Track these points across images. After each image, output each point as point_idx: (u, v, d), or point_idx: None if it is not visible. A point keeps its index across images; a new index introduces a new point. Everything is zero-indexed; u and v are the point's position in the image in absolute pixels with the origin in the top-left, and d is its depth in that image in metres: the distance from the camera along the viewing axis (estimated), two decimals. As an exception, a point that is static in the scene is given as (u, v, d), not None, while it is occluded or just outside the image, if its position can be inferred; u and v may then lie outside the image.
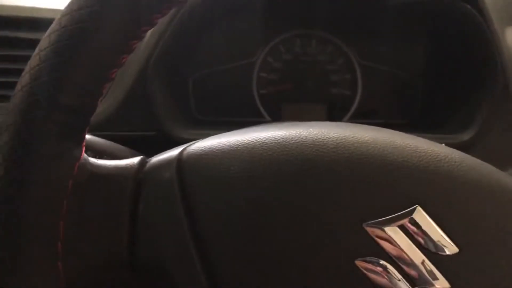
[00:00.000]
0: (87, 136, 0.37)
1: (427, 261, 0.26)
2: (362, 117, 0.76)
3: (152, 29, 0.61)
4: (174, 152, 0.30)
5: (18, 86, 0.26)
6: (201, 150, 0.30)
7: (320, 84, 0.78)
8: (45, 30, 0.27)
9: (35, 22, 0.58)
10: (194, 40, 0.72)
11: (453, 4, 0.63)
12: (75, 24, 0.26)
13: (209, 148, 0.30)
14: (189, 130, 0.64)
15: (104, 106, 0.61)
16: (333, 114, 0.77)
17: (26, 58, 0.27)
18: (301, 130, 0.29)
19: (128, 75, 0.61)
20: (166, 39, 0.61)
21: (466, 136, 0.63)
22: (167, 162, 0.30)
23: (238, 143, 0.29)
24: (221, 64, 0.76)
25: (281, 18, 0.77)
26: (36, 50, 0.26)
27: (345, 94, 0.77)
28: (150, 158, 0.31)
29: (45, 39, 0.26)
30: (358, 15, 0.75)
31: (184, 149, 0.30)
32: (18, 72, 0.27)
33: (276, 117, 0.77)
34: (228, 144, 0.29)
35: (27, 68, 0.26)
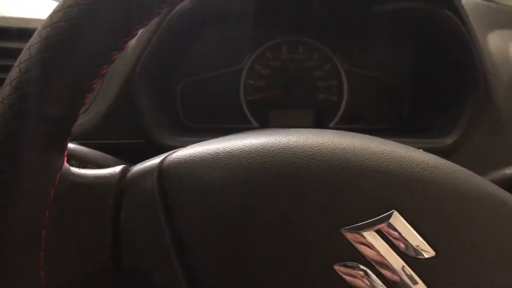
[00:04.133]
0: (72, 145, 0.37)
1: (405, 265, 0.26)
2: (348, 122, 0.77)
3: (137, 38, 0.62)
4: (155, 160, 0.31)
5: None
6: (181, 158, 0.30)
7: (307, 90, 0.78)
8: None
9: (24, 32, 0.59)
10: (181, 48, 0.73)
11: (435, 11, 0.63)
12: (55, 36, 0.26)
13: (189, 156, 0.30)
14: (177, 137, 0.64)
15: (90, 115, 0.61)
16: (320, 120, 0.78)
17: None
18: (280, 138, 0.30)
19: (115, 83, 0.61)
20: (152, 47, 0.61)
21: (450, 140, 0.63)
22: (148, 171, 0.30)
23: (218, 151, 0.30)
24: (208, 71, 0.77)
25: (268, 25, 0.78)
26: (16, 63, 0.27)
27: (331, 100, 0.78)
28: (132, 167, 0.32)
29: (25, 51, 0.27)
30: (344, 22, 0.76)
31: (165, 157, 0.31)
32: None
33: (264, 123, 0.78)
34: (208, 152, 0.30)
35: (7, 80, 0.27)
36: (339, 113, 0.77)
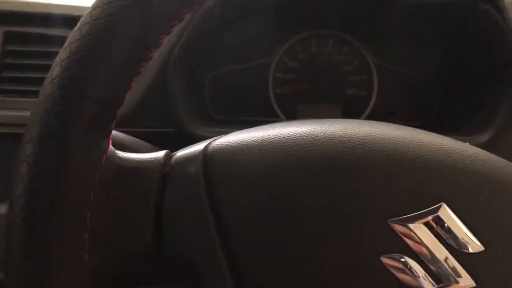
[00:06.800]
0: (111, 131, 0.37)
1: (451, 259, 0.26)
2: (378, 118, 0.75)
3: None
4: (199, 146, 0.30)
5: (48, 78, 0.27)
6: (226, 145, 0.30)
7: (335, 85, 0.77)
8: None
9: (67, 19, 0.59)
10: (212, 39, 0.72)
11: (472, 4, 0.62)
12: (106, 17, 0.26)
13: (234, 143, 0.30)
14: (206, 128, 0.64)
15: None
16: (349, 115, 0.77)
17: (55, 54, 0.27)
18: (326, 127, 0.29)
19: (148, 72, 0.61)
20: (185, 39, 0.61)
21: (484, 138, 0.62)
22: (193, 157, 0.30)
23: (263, 138, 0.29)
24: (237, 63, 0.76)
25: (298, 18, 0.77)
26: (66, 43, 0.27)
27: (361, 95, 0.77)
28: (174, 153, 0.32)
29: (76, 32, 0.27)
30: (375, 16, 0.75)
31: (209, 143, 0.30)
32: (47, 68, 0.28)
33: (291, 117, 0.77)
34: (253, 139, 0.30)
35: (57, 60, 0.27)
36: (368, 109, 0.76)
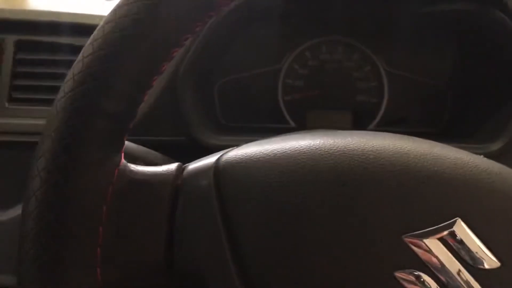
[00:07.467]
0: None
1: (468, 275, 0.25)
2: (388, 125, 0.75)
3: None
4: (211, 159, 0.30)
5: (61, 93, 0.27)
6: (238, 157, 0.30)
7: (346, 91, 0.77)
8: (88, 36, 0.27)
9: (76, 27, 0.60)
10: (222, 47, 0.72)
11: (483, 11, 0.62)
12: (118, 31, 0.26)
13: (246, 156, 0.30)
14: (216, 136, 0.64)
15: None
16: (359, 122, 0.76)
17: (68, 63, 0.27)
18: (339, 140, 0.29)
19: (159, 81, 0.61)
20: (197, 46, 0.61)
21: (495, 147, 0.61)
22: (205, 169, 0.30)
23: (275, 151, 0.29)
24: (247, 70, 0.76)
25: (307, 24, 0.77)
26: (79, 57, 0.27)
27: (371, 101, 0.76)
28: (186, 165, 0.31)
29: (88, 45, 0.27)
30: (385, 22, 0.75)
31: (221, 156, 0.30)
32: (61, 77, 0.28)
33: (301, 124, 0.77)
34: (265, 152, 0.29)
35: (70, 74, 0.27)
36: (379, 116, 0.76)
